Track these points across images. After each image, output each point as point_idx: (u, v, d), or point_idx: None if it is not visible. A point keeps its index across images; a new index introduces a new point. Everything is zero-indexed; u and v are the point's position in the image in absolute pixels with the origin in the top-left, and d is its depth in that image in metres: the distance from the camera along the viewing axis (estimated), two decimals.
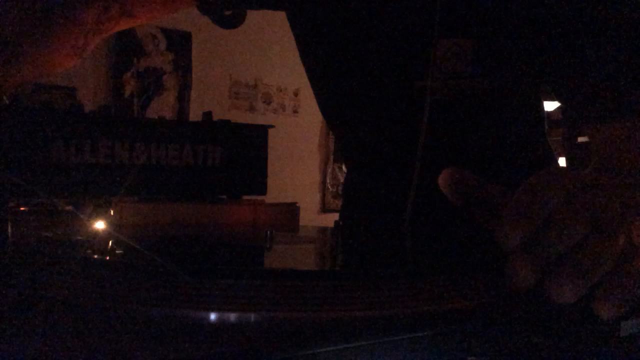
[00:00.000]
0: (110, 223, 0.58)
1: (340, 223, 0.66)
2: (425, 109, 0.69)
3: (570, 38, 0.64)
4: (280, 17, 0.90)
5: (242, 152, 0.73)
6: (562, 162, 3.02)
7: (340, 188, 3.59)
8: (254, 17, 0.90)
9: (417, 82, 0.71)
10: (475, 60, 0.68)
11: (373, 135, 0.81)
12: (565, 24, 0.64)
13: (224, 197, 0.73)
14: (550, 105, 3.26)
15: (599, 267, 0.36)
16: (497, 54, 0.70)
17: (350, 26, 0.76)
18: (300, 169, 3.48)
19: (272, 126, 0.78)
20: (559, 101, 0.71)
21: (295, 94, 3.46)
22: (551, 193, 0.37)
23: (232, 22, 0.87)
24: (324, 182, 3.62)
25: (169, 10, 0.88)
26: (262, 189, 0.75)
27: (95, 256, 0.40)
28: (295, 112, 3.49)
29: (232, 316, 0.31)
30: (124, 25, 0.80)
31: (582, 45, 0.64)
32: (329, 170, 3.61)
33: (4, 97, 0.66)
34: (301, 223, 0.74)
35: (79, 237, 0.52)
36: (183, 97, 3.05)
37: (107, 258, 0.41)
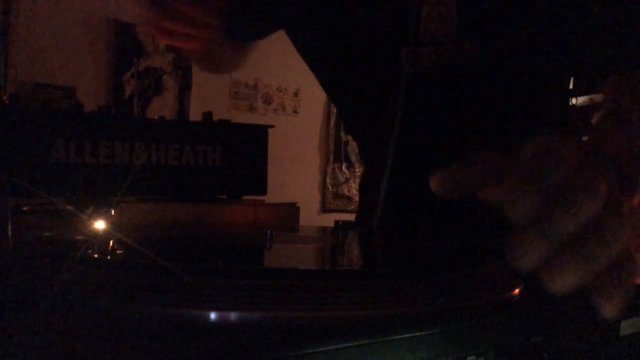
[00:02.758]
0: (110, 223, 0.58)
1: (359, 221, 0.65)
2: (402, 78, 0.68)
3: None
4: None
5: (242, 152, 0.73)
6: None
7: (340, 188, 3.59)
8: None
9: (403, 50, 0.70)
10: (461, 22, 0.67)
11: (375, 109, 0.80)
12: None
13: (224, 197, 0.73)
14: None
15: (605, 252, 0.31)
16: (485, 14, 0.68)
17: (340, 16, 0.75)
18: (300, 169, 3.48)
19: (272, 126, 0.78)
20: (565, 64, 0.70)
21: (295, 94, 3.45)
22: (561, 158, 0.32)
23: None
24: (324, 182, 3.62)
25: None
26: (262, 189, 0.75)
27: (95, 256, 0.40)
28: (295, 112, 3.49)
29: (232, 316, 0.31)
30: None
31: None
32: (329, 170, 3.61)
33: (4, 97, 0.66)
34: (301, 223, 0.74)
35: (79, 237, 0.52)
36: (183, 97, 3.05)
37: (107, 258, 0.41)
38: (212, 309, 0.31)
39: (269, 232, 0.50)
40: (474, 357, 0.33)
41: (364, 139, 0.89)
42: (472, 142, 0.73)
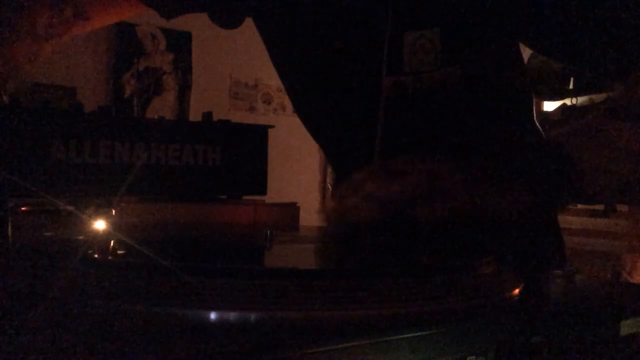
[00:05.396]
0: (110, 223, 0.58)
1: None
2: (381, 104, 0.69)
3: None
4: None
5: (242, 152, 0.73)
6: None
7: None
8: None
9: (386, 79, 0.71)
10: (444, 49, 0.68)
11: (353, 136, 0.81)
12: None
13: (224, 197, 0.73)
14: (550, 106, 3.25)
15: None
16: (466, 38, 0.69)
17: (315, 30, 0.76)
18: (300, 169, 3.48)
19: (272, 126, 0.78)
20: (563, 61, 0.72)
21: None
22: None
23: (232, 22, 0.87)
24: (324, 182, 3.62)
25: (122, 13, 0.88)
26: (262, 189, 0.75)
27: (95, 256, 0.40)
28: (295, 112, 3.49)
29: (232, 316, 0.31)
30: (78, 29, 0.80)
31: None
32: (329, 170, 3.61)
33: (4, 97, 0.66)
34: (301, 223, 0.74)
35: (79, 237, 0.52)
36: (183, 97, 3.05)
37: (107, 258, 0.41)
38: (212, 309, 0.31)
39: (269, 232, 0.50)
40: (474, 357, 0.33)
41: (335, 150, 0.90)
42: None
